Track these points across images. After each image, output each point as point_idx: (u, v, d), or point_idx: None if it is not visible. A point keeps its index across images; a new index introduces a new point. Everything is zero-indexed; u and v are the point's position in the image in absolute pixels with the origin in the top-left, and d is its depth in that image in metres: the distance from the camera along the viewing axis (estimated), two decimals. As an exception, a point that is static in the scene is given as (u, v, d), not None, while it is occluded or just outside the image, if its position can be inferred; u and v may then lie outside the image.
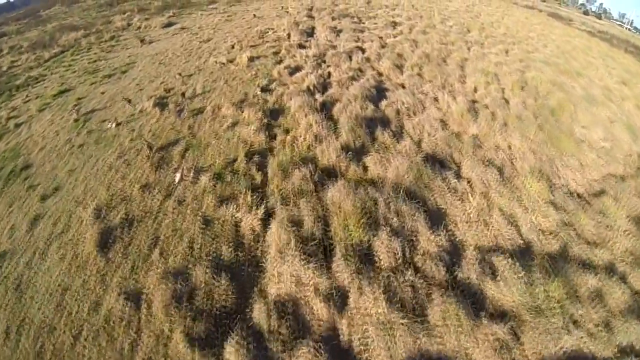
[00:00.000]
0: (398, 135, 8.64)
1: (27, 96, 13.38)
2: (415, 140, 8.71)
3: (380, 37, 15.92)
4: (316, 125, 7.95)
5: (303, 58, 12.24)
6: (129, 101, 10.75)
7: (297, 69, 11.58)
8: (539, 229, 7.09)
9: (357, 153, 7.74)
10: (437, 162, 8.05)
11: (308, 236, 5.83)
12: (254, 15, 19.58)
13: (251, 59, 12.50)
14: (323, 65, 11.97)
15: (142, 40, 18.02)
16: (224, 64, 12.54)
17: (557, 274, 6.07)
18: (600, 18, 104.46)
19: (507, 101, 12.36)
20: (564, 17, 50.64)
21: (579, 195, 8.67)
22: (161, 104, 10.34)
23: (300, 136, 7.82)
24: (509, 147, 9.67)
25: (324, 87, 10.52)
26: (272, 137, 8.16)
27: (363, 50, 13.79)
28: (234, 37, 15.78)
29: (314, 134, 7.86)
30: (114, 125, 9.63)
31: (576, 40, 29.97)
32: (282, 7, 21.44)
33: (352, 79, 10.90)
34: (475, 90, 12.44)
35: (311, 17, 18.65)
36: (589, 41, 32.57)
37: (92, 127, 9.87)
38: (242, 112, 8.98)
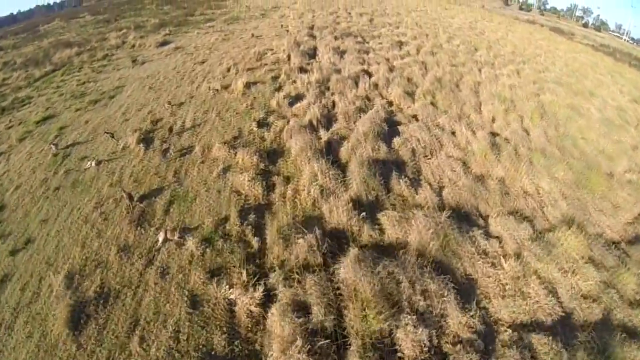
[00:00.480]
0: (415, 182, 7.50)
1: (10, 121, 12.51)
2: (435, 187, 7.60)
3: (387, 59, 14.96)
4: (322, 175, 6.80)
5: (305, 84, 11.17)
6: (112, 135, 9.64)
7: (298, 97, 10.50)
8: (580, 295, 6.14)
9: (370, 208, 6.60)
10: (462, 217, 6.92)
11: (317, 328, 4.67)
12: (252, 34, 18.64)
13: (247, 86, 11.43)
14: (327, 93, 10.90)
15: (134, 61, 17.03)
16: (217, 90, 11.47)
17: (601, 351, 5.29)
18: (599, 30, 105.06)
19: (527, 132, 11.34)
20: (565, 32, 50.60)
21: (615, 245, 7.80)
22: (146, 139, 9.22)
23: (304, 189, 6.68)
24: (538, 192, 8.62)
25: (329, 120, 9.43)
26: (270, 187, 7.02)
27: (370, 75, 12.77)
28: (230, 59, 14.77)
29: (320, 185, 6.71)
30: (93, 164, 8.53)
31: (581, 56, 29.42)
32: (282, 26, 20.53)
33: (360, 110, 9.83)
34: (494, 120, 11.41)
35: (312, 36, 17.71)
36: (594, 56, 32.08)
37: (71, 165, 8.81)
38: (236, 154, 7.84)
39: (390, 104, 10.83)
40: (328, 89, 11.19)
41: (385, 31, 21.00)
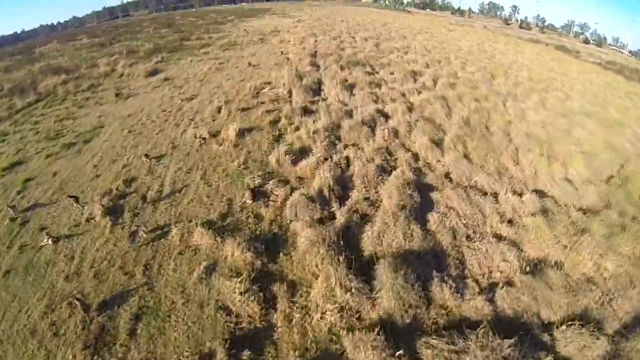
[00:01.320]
0: (460, 281, 5.66)
1: (-23, 163, 10.68)
2: (485, 286, 5.75)
3: (403, 94, 13.34)
4: (341, 289, 4.91)
5: (310, 133, 9.41)
6: (77, 200, 7.79)
7: (303, 151, 8.72)
8: None
9: (407, 333, 4.71)
10: (522, 328, 5.09)
11: None
12: (249, 63, 17.10)
13: (241, 133, 9.67)
14: (338, 145, 9.13)
15: (118, 94, 15.42)
16: (205, 139, 9.70)
17: None
18: (600, 46, 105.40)
19: (576, 188, 9.53)
20: (570, 50, 50.01)
21: None
22: (115, 208, 7.41)
23: (317, 308, 4.79)
24: (603, 276, 6.76)
25: (343, 185, 7.60)
26: (270, 301, 5.12)
27: (386, 116, 11.08)
28: (223, 94, 13.14)
29: (337, 302, 4.81)
30: (50, 241, 6.67)
31: (594, 77, 28.39)
32: (282, 52, 19.05)
33: (382, 169, 8.01)
34: (536, 173, 9.62)
35: (316, 65, 16.15)
36: (606, 76, 31.03)
37: (27, 238, 7.10)
38: (224, 243, 5.96)
39: (416, 158, 9.04)
40: (339, 139, 9.42)
41: (394, 58, 19.54)
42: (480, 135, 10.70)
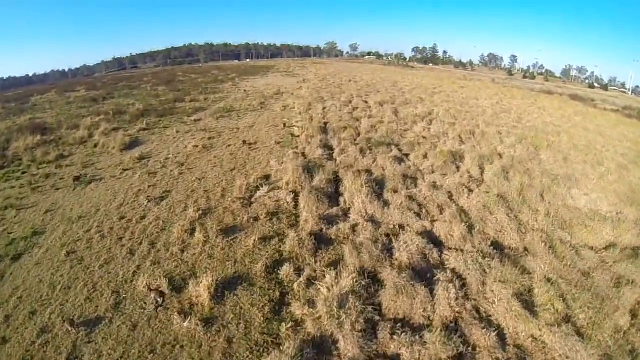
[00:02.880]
0: None
1: None
2: None
3: (450, 195, 9.99)
4: None
5: (331, 305, 5.68)
6: None
7: (323, 344, 5.01)
8: None
9: None
10: None
11: None
12: (244, 141, 14.08)
13: (218, 293, 6.06)
14: (380, 325, 5.44)
15: (77, 178, 12.30)
16: (162, 299, 6.08)
17: None
18: (606, 89, 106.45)
19: None
20: (584, 98, 49.87)
21: None
22: None
23: None
24: None
25: None
26: None
27: (440, 245, 7.54)
28: (203, 195, 9.85)
29: None
30: None
31: (626, 129, 25.98)
32: (285, 124, 16.16)
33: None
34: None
35: (327, 147, 13.07)
36: (633, 126, 29.00)
37: None
38: None
39: (503, 339, 5.33)
40: (379, 309, 5.75)
41: (419, 130, 16.63)
42: (577, 274, 7.07)
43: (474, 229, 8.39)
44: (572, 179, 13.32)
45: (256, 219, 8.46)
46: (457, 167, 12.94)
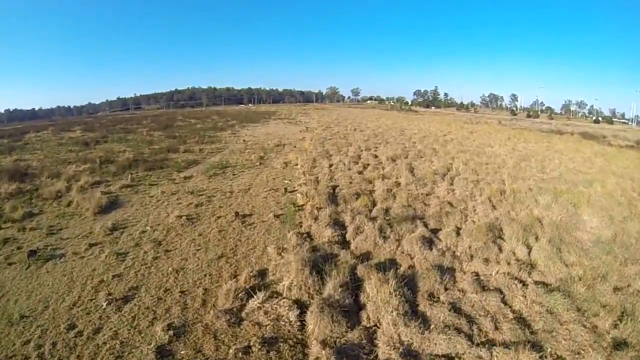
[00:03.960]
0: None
1: None
2: None
3: (502, 297, 7.53)
4: None
5: None
6: None
7: None
8: None
9: None
10: None
11: None
12: (237, 213, 11.82)
13: None
14: None
15: (33, 253, 9.97)
16: None
17: None
18: (611, 123, 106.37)
19: None
20: (596, 135, 49.55)
21: None
22: None
23: None
24: None
25: None
26: None
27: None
28: (179, 303, 7.41)
29: None
30: None
31: None
32: (286, 190, 14.03)
33: None
34: None
35: (340, 224, 10.74)
36: None
37: None
38: None
39: None
40: None
41: (443, 193, 14.47)
42: None
43: (545, 352, 5.92)
44: (634, 250, 10.94)
45: (247, 350, 5.98)
46: (499, 247, 10.57)
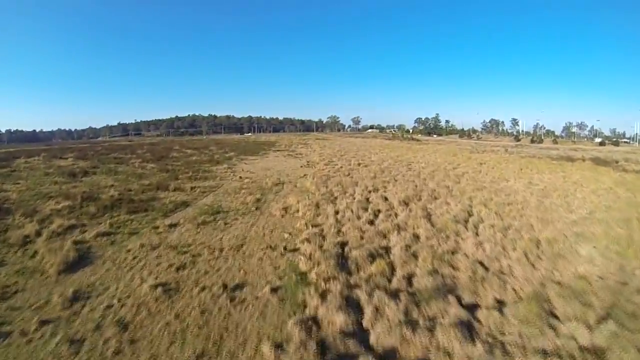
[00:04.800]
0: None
1: None
2: None
3: None
4: None
5: None
6: None
7: None
8: None
9: None
10: None
11: None
12: (225, 285, 9.70)
13: None
14: None
15: None
16: None
17: None
18: (617, 144, 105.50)
19: None
20: (607, 160, 48.28)
21: None
22: None
23: None
24: None
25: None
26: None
27: None
28: None
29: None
30: None
31: None
32: (285, 248, 11.96)
33: None
34: None
35: (354, 304, 8.62)
36: None
37: None
38: None
39: None
40: None
41: (470, 249, 12.40)
42: None
43: None
44: None
45: None
46: (554, 328, 8.43)
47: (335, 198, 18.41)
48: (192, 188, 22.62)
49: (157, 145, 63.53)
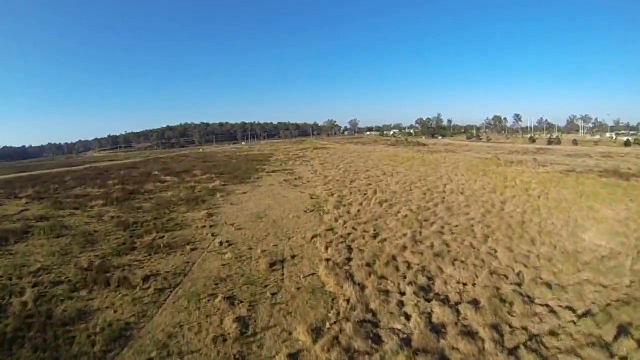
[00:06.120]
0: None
1: None
2: None
3: None
4: None
5: None
6: None
7: None
8: None
9: None
10: None
11: None
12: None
13: None
14: None
15: None
16: None
17: None
18: (629, 145, 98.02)
19: None
20: (625, 173, 40.53)
21: None
22: None
23: None
24: None
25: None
26: None
27: None
28: None
29: None
30: None
31: None
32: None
33: None
34: None
35: None
36: None
37: None
38: None
39: None
40: None
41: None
42: None
43: None
44: None
45: None
46: None
47: (375, 315, 10.89)
48: (144, 279, 14.97)
49: (135, 169, 55.91)
